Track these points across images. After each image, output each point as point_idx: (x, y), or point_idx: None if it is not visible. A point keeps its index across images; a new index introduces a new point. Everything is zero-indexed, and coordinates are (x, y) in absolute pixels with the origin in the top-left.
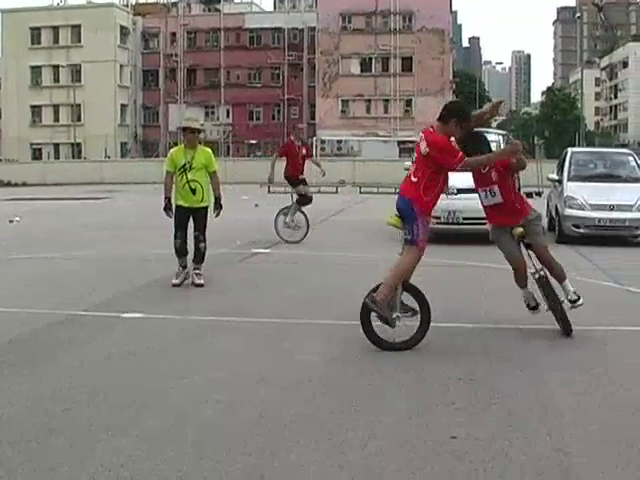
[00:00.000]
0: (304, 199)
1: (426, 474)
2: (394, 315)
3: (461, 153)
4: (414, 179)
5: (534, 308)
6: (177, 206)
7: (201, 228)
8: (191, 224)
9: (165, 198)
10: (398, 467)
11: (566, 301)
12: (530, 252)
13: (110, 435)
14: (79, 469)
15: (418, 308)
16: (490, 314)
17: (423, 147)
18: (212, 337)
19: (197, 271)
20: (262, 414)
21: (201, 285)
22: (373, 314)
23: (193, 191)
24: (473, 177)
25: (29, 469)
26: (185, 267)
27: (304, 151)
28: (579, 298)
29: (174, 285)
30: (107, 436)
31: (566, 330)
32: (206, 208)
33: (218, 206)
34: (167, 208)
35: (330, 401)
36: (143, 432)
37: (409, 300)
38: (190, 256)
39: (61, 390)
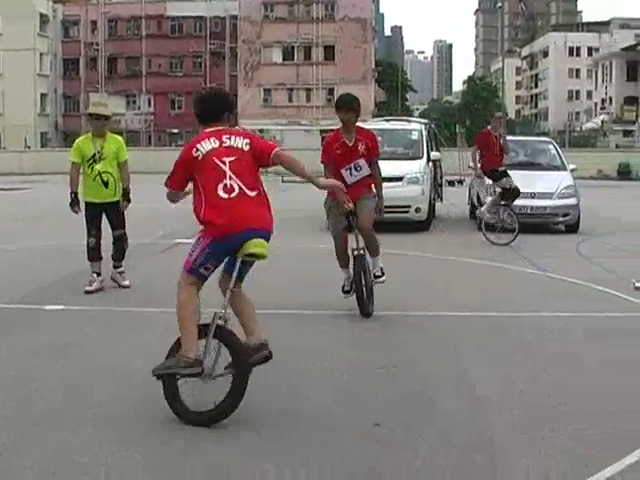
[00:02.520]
0: (508, 193)
1: (348, 462)
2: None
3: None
4: (252, 193)
5: (347, 292)
6: (87, 203)
7: (120, 225)
8: (105, 221)
9: (72, 193)
10: (322, 455)
11: (371, 275)
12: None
13: (33, 428)
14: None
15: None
16: (408, 302)
17: (241, 142)
18: (133, 328)
19: (120, 269)
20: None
21: (128, 286)
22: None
23: (105, 184)
24: (335, 156)
25: None
26: (99, 274)
27: (501, 141)
28: (383, 275)
29: (87, 292)
30: (28, 430)
31: (365, 312)
32: (118, 202)
33: (127, 199)
34: (74, 204)
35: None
36: (66, 424)
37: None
38: (107, 256)
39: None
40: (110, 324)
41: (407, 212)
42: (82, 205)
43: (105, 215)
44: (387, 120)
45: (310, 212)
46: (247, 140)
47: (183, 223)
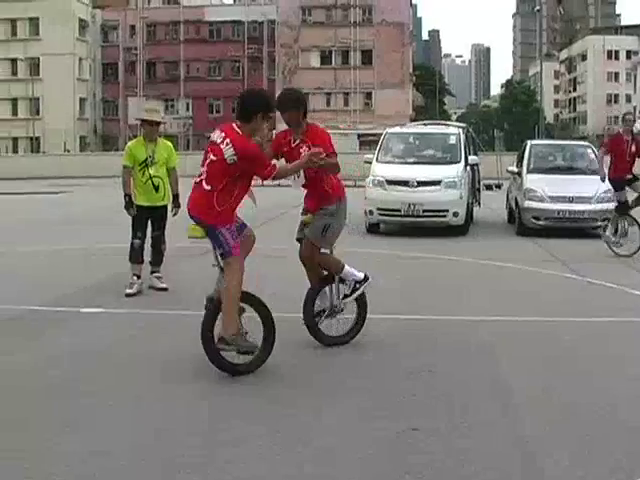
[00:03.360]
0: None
1: (386, 466)
2: (247, 337)
3: (271, 163)
4: (207, 187)
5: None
6: (137, 206)
7: (161, 228)
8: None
9: (125, 195)
10: (357, 459)
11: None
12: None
13: (68, 432)
14: (38, 466)
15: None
16: (448, 306)
17: (229, 154)
18: (169, 331)
19: (157, 274)
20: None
21: (165, 289)
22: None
23: (156, 188)
24: (283, 152)
25: None
26: (139, 277)
27: (633, 147)
28: (357, 287)
29: (128, 295)
30: (65, 433)
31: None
32: (166, 207)
33: (177, 204)
34: (129, 206)
35: (291, 394)
36: (102, 428)
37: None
38: (147, 259)
39: (16, 386)
40: (147, 327)
41: (445, 216)
42: None
43: (151, 216)
44: (425, 124)
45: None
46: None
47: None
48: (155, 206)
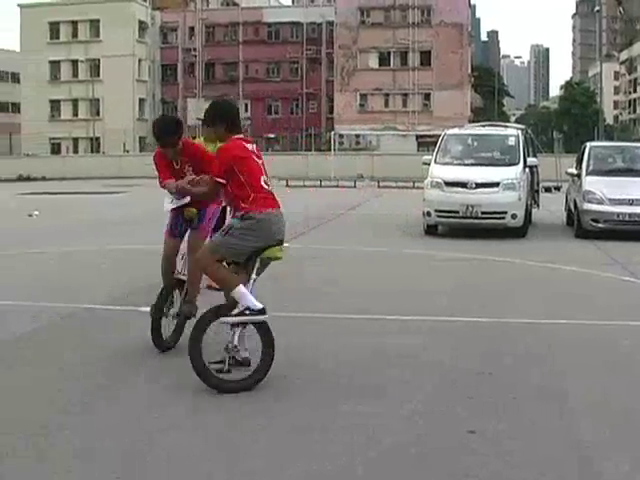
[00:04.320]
0: None
1: (442, 468)
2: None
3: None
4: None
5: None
6: None
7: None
8: None
9: None
10: (414, 462)
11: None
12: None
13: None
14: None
15: None
16: (508, 308)
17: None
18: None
19: None
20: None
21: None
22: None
23: None
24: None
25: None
26: None
27: None
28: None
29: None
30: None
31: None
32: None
33: None
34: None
35: (339, 396)
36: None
37: None
38: None
39: (77, 382)
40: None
41: (503, 218)
42: None
43: None
44: (483, 126)
45: (410, 217)
46: None
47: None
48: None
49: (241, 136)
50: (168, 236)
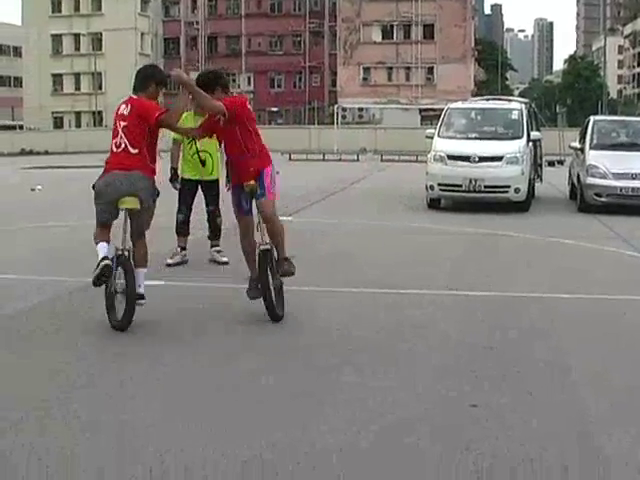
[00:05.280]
0: None
1: (445, 442)
2: None
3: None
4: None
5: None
6: (183, 179)
7: (214, 202)
8: (201, 198)
9: (171, 169)
10: (418, 435)
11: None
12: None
13: (132, 407)
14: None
15: None
16: (506, 282)
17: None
18: (225, 303)
19: (217, 248)
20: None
21: (226, 263)
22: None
23: (203, 162)
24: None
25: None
26: (184, 248)
27: None
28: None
29: (168, 265)
30: (129, 407)
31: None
32: (217, 181)
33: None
34: (173, 179)
35: (348, 368)
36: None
37: None
38: (205, 233)
39: (82, 356)
40: (207, 299)
41: (506, 192)
42: None
43: (201, 191)
44: (487, 99)
45: (413, 191)
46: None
47: (279, 201)
48: (203, 180)
49: None
50: (240, 214)
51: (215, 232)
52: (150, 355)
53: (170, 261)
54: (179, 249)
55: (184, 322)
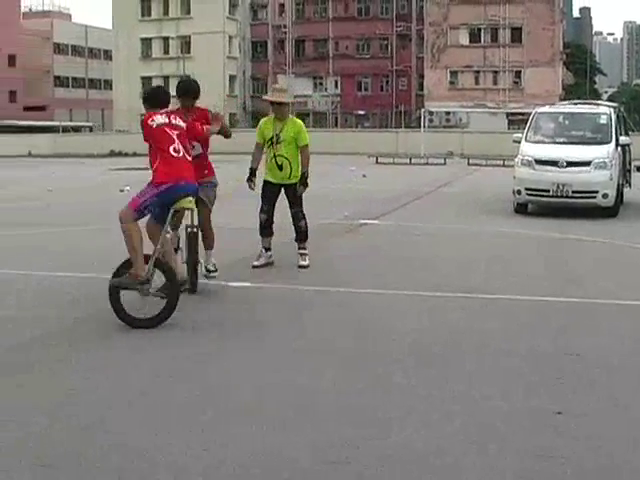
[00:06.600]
0: None
1: (529, 449)
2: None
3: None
4: (189, 158)
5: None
6: (265, 181)
7: (297, 204)
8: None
9: (250, 169)
10: (502, 441)
11: (203, 269)
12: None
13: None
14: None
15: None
16: (596, 289)
17: (181, 123)
18: (315, 308)
19: (301, 251)
20: (371, 385)
21: (305, 267)
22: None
23: (279, 167)
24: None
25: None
26: (268, 249)
27: None
28: (216, 271)
29: (254, 267)
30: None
31: (193, 288)
32: (297, 184)
33: (303, 183)
34: (250, 179)
35: (429, 372)
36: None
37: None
38: (292, 236)
39: (171, 356)
40: (288, 302)
41: (594, 197)
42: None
43: (284, 193)
44: (575, 104)
45: (499, 195)
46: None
47: (366, 204)
48: (284, 184)
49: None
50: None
51: (298, 235)
52: (226, 355)
53: (256, 263)
54: (264, 250)
55: (263, 323)
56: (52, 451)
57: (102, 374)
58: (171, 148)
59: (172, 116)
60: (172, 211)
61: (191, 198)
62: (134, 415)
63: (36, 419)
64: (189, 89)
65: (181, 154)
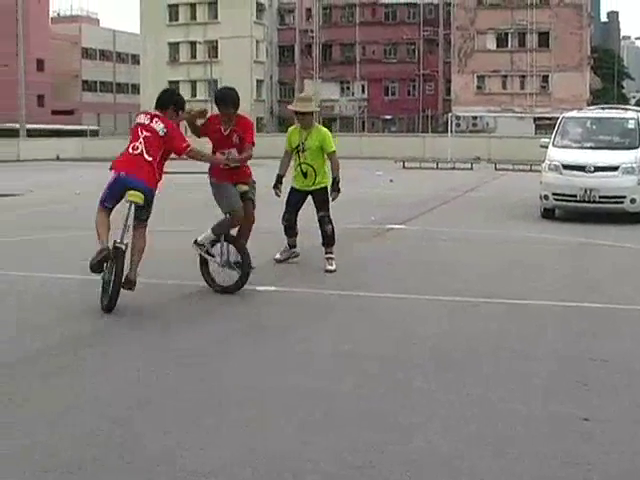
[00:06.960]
0: None
1: (555, 455)
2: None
3: (188, 142)
4: (148, 158)
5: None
6: (292, 187)
7: (324, 209)
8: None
9: (277, 175)
10: (526, 446)
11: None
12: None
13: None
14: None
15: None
16: (620, 294)
17: (160, 127)
18: (338, 312)
19: (328, 255)
20: (392, 388)
21: (332, 271)
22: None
23: (304, 174)
24: (211, 137)
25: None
26: (293, 246)
27: None
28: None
29: (277, 260)
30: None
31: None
32: (324, 189)
33: (336, 189)
34: (276, 186)
35: (445, 376)
36: (280, 406)
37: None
38: (318, 240)
39: (197, 356)
40: (312, 306)
41: (622, 203)
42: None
43: (312, 199)
44: (603, 108)
45: (527, 200)
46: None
47: (392, 208)
48: (309, 190)
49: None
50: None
51: (325, 239)
52: (243, 356)
53: (278, 256)
54: (288, 246)
55: (285, 327)
56: (56, 460)
57: (108, 377)
58: (132, 145)
59: (155, 119)
60: (128, 204)
61: (137, 192)
62: (147, 419)
63: (40, 427)
64: (223, 98)
65: (138, 152)
